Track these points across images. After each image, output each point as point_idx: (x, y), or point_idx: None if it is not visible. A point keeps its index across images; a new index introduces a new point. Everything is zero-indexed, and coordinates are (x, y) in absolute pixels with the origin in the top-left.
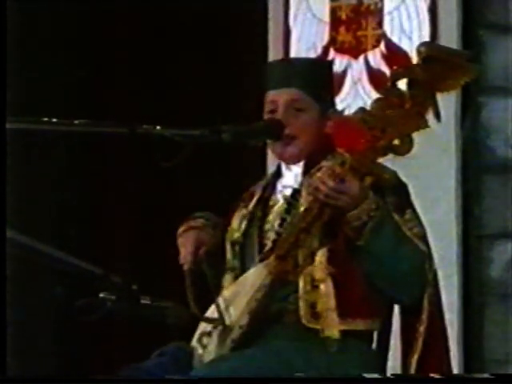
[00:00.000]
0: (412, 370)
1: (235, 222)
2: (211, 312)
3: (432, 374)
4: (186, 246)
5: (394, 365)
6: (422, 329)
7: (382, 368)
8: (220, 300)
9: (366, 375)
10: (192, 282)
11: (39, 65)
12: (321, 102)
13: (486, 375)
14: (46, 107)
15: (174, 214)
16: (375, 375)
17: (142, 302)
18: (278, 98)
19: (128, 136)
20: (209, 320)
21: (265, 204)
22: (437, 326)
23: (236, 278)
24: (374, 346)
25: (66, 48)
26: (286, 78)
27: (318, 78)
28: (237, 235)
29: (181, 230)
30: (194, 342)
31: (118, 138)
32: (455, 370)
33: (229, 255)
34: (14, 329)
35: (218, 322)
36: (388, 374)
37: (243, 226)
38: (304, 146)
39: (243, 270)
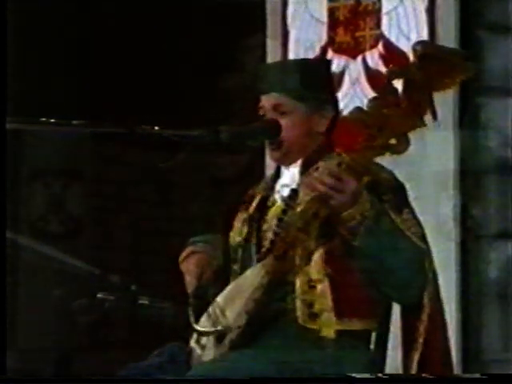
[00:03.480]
0: (413, 370)
1: (237, 226)
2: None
3: (433, 374)
4: (190, 270)
5: (394, 365)
6: (422, 328)
7: (381, 368)
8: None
9: (364, 375)
10: (196, 305)
11: (39, 65)
12: (307, 102)
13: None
14: (46, 107)
15: (174, 214)
16: (373, 375)
17: (140, 302)
18: (265, 103)
19: (126, 136)
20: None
21: (263, 205)
22: (437, 325)
23: (238, 269)
24: (371, 345)
25: (65, 48)
26: (269, 84)
27: (301, 79)
28: (238, 239)
29: (183, 255)
30: (193, 343)
31: (116, 138)
32: (454, 370)
33: (232, 247)
34: (13, 329)
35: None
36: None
37: (245, 229)
38: (290, 148)
39: (246, 262)
